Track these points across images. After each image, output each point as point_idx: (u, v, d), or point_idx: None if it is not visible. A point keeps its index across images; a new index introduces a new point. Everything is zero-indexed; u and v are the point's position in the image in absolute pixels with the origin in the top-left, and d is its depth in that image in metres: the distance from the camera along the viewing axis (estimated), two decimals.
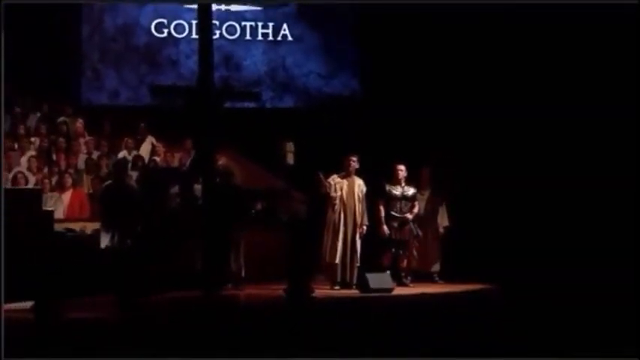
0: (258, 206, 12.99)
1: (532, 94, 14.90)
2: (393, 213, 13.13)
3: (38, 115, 14.79)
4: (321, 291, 12.20)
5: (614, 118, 14.12)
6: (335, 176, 12.87)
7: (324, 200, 12.88)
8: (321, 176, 12.83)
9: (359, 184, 12.91)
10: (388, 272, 12.90)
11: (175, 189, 12.51)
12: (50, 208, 12.14)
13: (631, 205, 13.67)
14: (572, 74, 14.75)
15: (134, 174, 13.17)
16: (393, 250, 13.19)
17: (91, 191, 13.40)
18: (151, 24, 16.23)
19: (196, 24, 14.00)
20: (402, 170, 13.18)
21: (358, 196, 12.87)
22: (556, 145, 14.70)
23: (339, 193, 12.84)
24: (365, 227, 12.94)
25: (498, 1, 14.17)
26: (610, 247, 13.20)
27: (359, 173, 12.97)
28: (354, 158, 12.87)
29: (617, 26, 14.10)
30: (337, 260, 12.81)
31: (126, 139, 14.52)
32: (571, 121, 14.45)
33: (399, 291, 12.52)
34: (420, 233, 13.38)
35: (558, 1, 14.09)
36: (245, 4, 16.33)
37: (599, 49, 14.66)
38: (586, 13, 14.05)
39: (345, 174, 12.89)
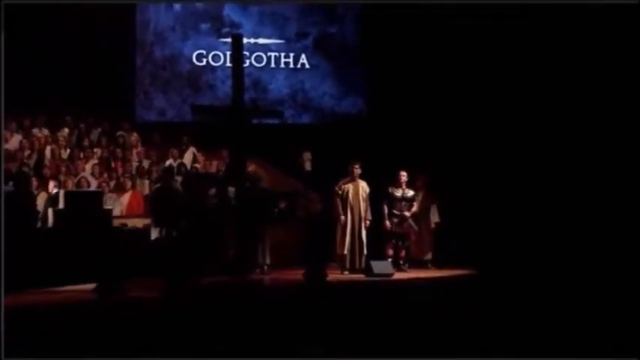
0: (281, 205, 13.02)
1: (524, 101, 14.36)
2: (395, 211, 13.18)
3: (100, 130, 14.87)
4: (334, 275, 12.25)
5: (605, 118, 13.43)
6: (341, 182, 12.97)
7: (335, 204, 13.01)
8: (338, 200, 12.97)
9: (362, 187, 12.98)
10: (389, 260, 12.98)
11: (213, 191, 12.52)
12: (109, 207, 12.24)
13: (614, 198, 13.14)
14: (571, 74, 13.91)
15: (179, 178, 13.22)
16: (394, 241, 13.26)
17: (147, 193, 13.49)
18: (192, 54, 16.31)
19: (230, 54, 14.04)
20: (403, 175, 13.24)
21: (362, 196, 12.93)
22: (535, 144, 14.22)
23: (344, 196, 12.94)
24: (369, 221, 13.01)
25: (492, 1, 13.69)
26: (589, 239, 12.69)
27: (362, 177, 13.04)
28: (357, 165, 12.95)
29: (617, 26, 12.98)
30: (345, 251, 12.88)
31: (172, 149, 14.58)
32: (564, 121, 13.88)
33: (398, 276, 12.55)
34: (416, 228, 13.46)
35: (558, 2, 13.33)
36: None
37: (599, 49, 13.63)
38: (586, 13, 13.06)
39: (350, 178, 12.97)
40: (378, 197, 13.23)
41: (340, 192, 12.95)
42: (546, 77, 14.21)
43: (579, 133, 13.74)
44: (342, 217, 12.91)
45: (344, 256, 12.89)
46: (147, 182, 13.72)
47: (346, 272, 12.81)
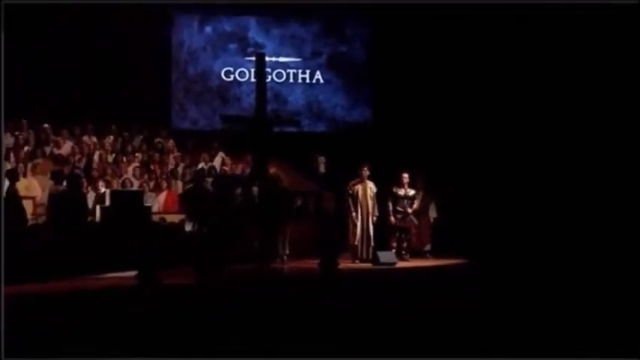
0: (299, 203, 13.01)
1: (522, 101, 13.72)
2: (398, 208, 13.16)
3: (141, 137, 14.88)
4: (345, 264, 12.22)
5: (605, 117, 12.58)
6: (352, 183, 12.95)
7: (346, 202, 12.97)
8: (349, 199, 12.91)
9: (370, 187, 12.95)
10: (393, 251, 12.96)
11: (239, 191, 12.53)
12: (149, 204, 12.25)
13: (607, 194, 12.47)
14: (571, 74, 13.02)
15: (209, 180, 13.23)
16: (397, 234, 13.24)
17: (180, 192, 13.49)
18: (221, 71, 16.32)
19: (254, 71, 14.03)
20: (405, 177, 13.22)
21: (370, 195, 12.91)
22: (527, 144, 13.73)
23: (355, 195, 12.91)
24: (376, 217, 12.99)
25: (491, 1, 12.88)
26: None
27: (370, 178, 13.00)
28: (365, 168, 12.93)
29: (618, 26, 11.92)
30: (357, 242, 12.87)
31: (203, 154, 14.57)
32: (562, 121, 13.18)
33: (401, 264, 12.53)
34: (417, 222, 13.43)
35: (559, 2, 12.36)
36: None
37: (599, 49, 12.69)
38: (586, 13, 11.96)
39: (360, 179, 12.94)
40: (384, 196, 13.21)
41: (351, 191, 12.94)
42: (546, 77, 13.70)
43: (576, 132, 13.18)
44: (354, 214, 12.90)
45: (355, 246, 12.87)
46: (180, 183, 13.72)
47: (357, 261, 12.78)
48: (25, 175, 12.09)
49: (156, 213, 12.50)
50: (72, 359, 5.47)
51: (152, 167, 14.04)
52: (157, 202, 13.07)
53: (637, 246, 11.13)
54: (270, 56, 15.69)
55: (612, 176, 12.69)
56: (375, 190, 13.00)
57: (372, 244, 12.90)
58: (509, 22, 13.70)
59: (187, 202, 11.96)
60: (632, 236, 11.58)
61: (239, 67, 16.40)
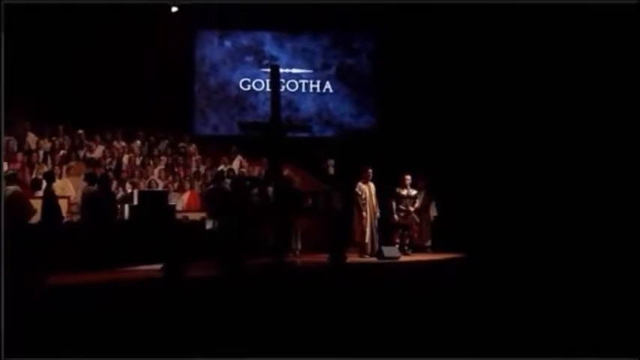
0: (310, 202, 13.05)
1: (521, 101, 13.34)
2: (401, 207, 13.21)
3: (166, 142, 14.96)
4: (352, 258, 12.25)
5: (605, 117, 12.02)
6: (360, 183, 12.98)
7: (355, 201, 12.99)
8: (358, 198, 12.93)
9: (373, 187, 13.01)
10: (397, 246, 12.99)
11: (255, 191, 12.60)
12: (173, 203, 12.33)
13: (602, 194, 12.04)
14: (571, 74, 12.45)
15: (228, 181, 13.29)
16: (400, 231, 13.28)
17: (200, 192, 13.58)
18: (239, 82, 16.44)
19: (269, 81, 14.08)
20: (408, 178, 13.29)
21: (373, 195, 12.98)
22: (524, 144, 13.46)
23: (363, 195, 12.94)
24: (378, 213, 13.04)
25: (492, 1, 12.37)
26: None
27: (373, 180, 13.04)
28: (370, 170, 12.98)
29: (618, 26, 11.26)
30: (367, 240, 12.90)
31: (223, 157, 14.61)
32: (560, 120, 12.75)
33: (403, 259, 12.56)
34: (418, 220, 13.46)
35: (559, 2, 11.76)
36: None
37: (599, 49, 12.10)
38: (586, 13, 11.34)
39: (365, 181, 12.98)
40: (387, 196, 13.24)
41: (360, 192, 12.95)
42: (546, 78, 13.31)
43: (575, 131, 12.71)
44: (364, 213, 12.91)
45: (365, 244, 12.85)
46: (198, 184, 13.78)
47: (366, 255, 12.78)
48: (60, 177, 12.17)
49: (179, 211, 12.55)
50: (72, 359, 5.23)
51: (176, 169, 14.10)
52: (180, 201, 13.11)
53: (637, 245, 10.56)
54: (284, 68, 15.74)
55: (611, 175, 12.39)
56: (374, 189, 13.06)
57: (378, 239, 12.95)
58: (509, 23, 13.38)
59: (208, 202, 12.02)
60: (631, 234, 11.08)
61: (255, 78, 16.50)
